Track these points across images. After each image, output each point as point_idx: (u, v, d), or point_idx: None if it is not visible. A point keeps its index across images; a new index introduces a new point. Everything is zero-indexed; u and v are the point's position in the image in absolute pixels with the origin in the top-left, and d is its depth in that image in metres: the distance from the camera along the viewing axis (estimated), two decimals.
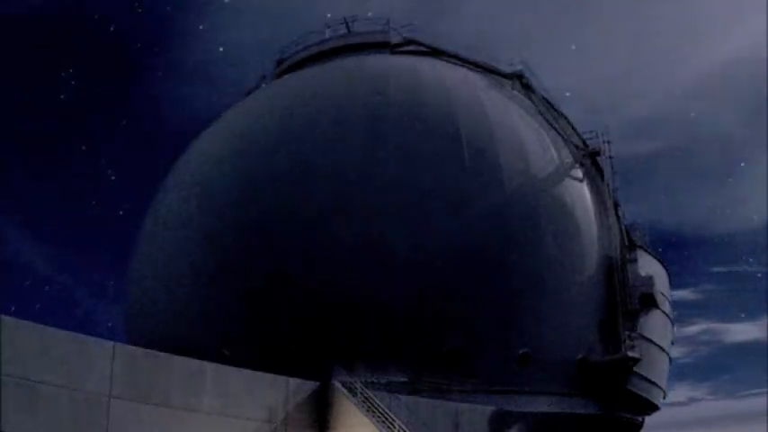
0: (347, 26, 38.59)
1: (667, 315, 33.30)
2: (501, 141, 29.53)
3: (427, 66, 33.90)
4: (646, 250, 32.42)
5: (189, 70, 75.26)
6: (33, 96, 67.03)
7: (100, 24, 68.62)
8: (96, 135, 71.41)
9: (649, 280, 30.87)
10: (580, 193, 31.55)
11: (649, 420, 34.13)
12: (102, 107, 71.61)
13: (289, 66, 37.82)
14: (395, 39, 36.83)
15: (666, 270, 34.46)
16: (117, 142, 72.68)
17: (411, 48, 36.68)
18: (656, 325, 31.82)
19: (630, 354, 28.92)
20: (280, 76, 37.69)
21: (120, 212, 65.26)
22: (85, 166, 69.95)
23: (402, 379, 22.47)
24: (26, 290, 67.02)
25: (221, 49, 70.98)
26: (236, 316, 26.87)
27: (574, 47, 73.20)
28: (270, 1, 72.61)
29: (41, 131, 67.42)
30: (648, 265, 32.23)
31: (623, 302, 30.27)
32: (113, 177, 68.37)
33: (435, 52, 36.48)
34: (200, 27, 70.77)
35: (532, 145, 31.07)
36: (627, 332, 29.67)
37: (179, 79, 75.79)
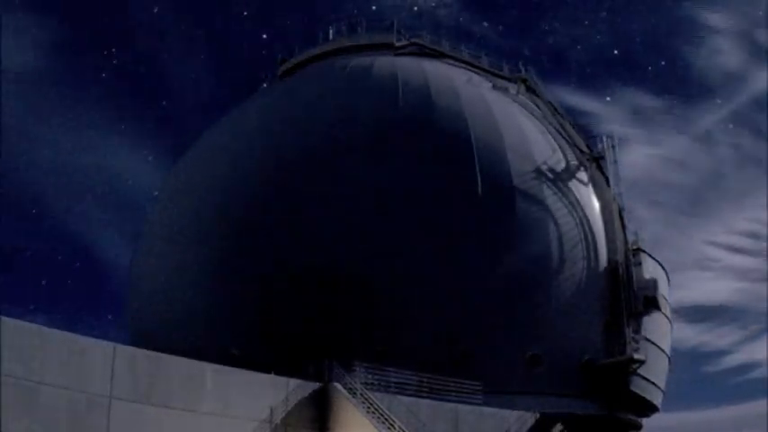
0: (352, 27, 38.63)
1: (667, 317, 33.08)
2: (511, 147, 29.79)
3: (433, 67, 33.91)
4: (647, 253, 32.23)
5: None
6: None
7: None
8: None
9: (653, 283, 30.66)
10: (586, 198, 31.48)
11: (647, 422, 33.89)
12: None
13: (293, 65, 37.95)
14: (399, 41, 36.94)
15: (666, 273, 34.26)
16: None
17: (414, 49, 36.70)
18: (657, 327, 31.56)
19: (636, 355, 28.77)
20: (283, 75, 37.76)
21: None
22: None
23: (405, 379, 22.27)
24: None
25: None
26: (241, 314, 26.97)
27: None
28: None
29: None
30: (649, 268, 32.01)
31: (628, 305, 30.08)
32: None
33: (438, 54, 36.45)
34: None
35: (540, 149, 31.17)
36: (632, 334, 29.51)
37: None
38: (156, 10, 67.24)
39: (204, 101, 74.97)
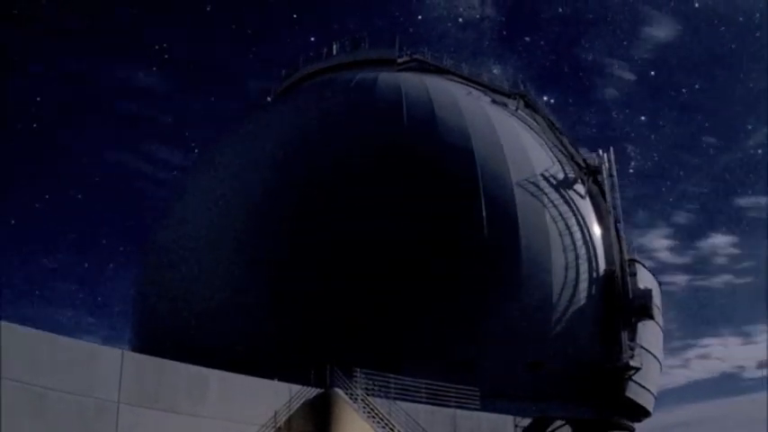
0: (355, 43, 38.88)
1: (660, 326, 33.32)
2: (512, 159, 30.19)
3: (436, 83, 34.18)
4: (642, 264, 32.51)
5: None
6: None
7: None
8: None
9: (648, 293, 30.87)
10: (584, 209, 31.77)
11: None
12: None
13: (297, 80, 38.19)
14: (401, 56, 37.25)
15: (659, 283, 34.57)
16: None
17: (415, 65, 37.01)
18: (650, 335, 31.77)
19: (632, 363, 29.05)
20: (285, 91, 37.93)
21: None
22: None
23: (404, 385, 22.39)
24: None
25: None
26: (249, 322, 27.20)
27: None
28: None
29: None
30: (644, 279, 32.25)
31: (623, 314, 30.35)
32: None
33: (439, 70, 36.76)
34: None
35: (539, 162, 31.45)
36: (627, 342, 29.73)
37: None
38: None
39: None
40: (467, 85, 36.54)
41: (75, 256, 71.17)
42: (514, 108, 35.72)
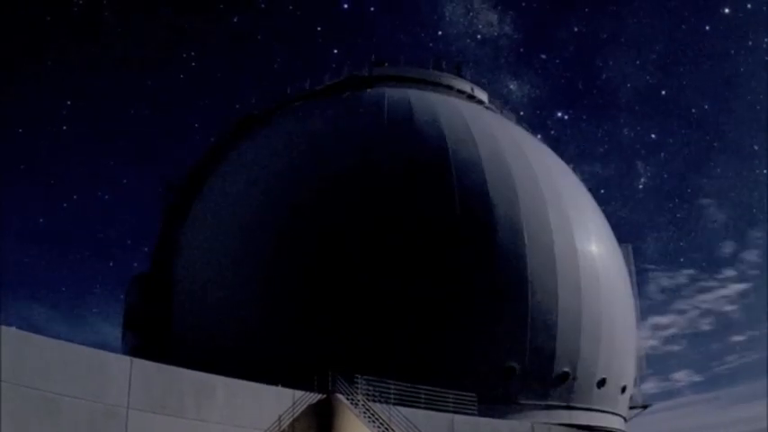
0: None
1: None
2: (518, 177, 30.64)
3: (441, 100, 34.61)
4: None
5: None
6: None
7: None
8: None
9: None
10: None
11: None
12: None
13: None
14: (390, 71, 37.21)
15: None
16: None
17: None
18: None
19: None
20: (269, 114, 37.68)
21: None
22: None
23: (404, 390, 22.73)
24: None
25: None
26: (256, 330, 27.59)
27: None
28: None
29: None
30: None
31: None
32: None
33: (428, 83, 37.04)
34: None
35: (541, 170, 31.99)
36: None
37: None
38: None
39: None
40: (469, 101, 37.20)
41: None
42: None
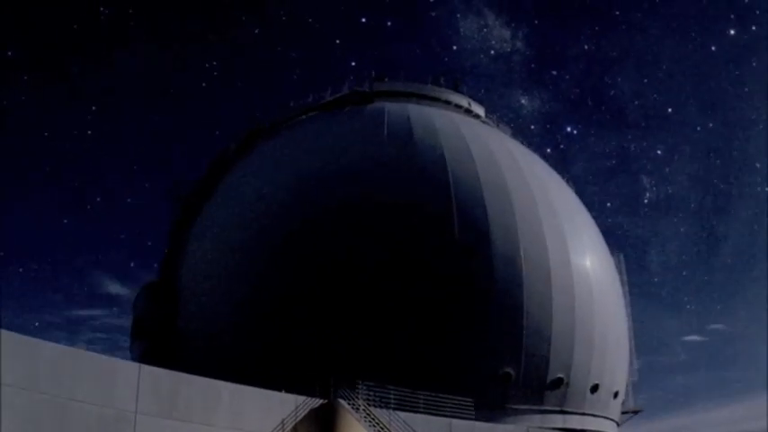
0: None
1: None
2: (513, 188, 31.06)
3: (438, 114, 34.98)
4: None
5: None
6: None
7: None
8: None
9: None
10: None
11: None
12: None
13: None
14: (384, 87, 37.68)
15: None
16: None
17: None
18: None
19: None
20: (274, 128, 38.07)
21: None
22: None
23: (403, 395, 23.08)
24: None
25: None
26: (259, 336, 27.93)
27: None
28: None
29: None
30: None
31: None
32: None
33: (427, 98, 37.59)
34: None
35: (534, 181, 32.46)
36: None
37: None
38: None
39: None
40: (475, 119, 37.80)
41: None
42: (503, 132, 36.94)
